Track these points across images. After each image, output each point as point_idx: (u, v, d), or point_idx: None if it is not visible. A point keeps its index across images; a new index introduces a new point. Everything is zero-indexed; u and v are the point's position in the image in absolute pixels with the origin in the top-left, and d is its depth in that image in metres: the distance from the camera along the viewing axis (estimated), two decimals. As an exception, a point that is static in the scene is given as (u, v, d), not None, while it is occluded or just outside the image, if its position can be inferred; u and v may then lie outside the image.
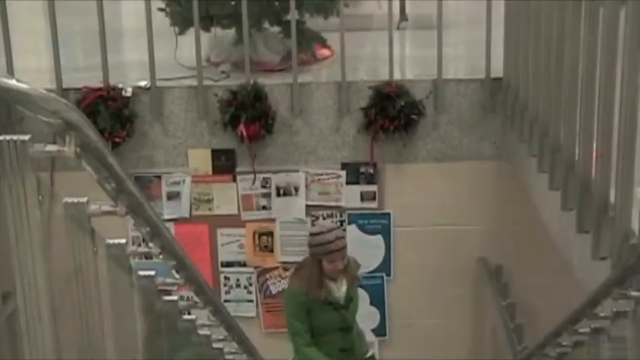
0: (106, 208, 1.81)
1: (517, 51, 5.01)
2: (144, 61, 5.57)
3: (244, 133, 5.41)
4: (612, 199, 3.32)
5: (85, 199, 1.78)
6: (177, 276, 2.60)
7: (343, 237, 4.71)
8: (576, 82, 3.75)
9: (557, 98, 4.05)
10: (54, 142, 1.58)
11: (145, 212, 2.02)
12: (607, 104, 3.36)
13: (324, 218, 5.75)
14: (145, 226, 2.12)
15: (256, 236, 5.82)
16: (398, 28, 6.90)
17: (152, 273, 2.35)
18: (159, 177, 5.68)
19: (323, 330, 4.78)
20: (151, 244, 2.28)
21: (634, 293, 2.64)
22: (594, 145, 3.52)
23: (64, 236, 1.76)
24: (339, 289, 4.78)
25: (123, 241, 2.07)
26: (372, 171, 5.66)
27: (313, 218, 5.75)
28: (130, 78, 5.80)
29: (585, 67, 3.60)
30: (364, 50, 6.60)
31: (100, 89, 5.44)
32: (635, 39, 3.10)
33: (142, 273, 2.25)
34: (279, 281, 5.87)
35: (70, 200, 1.75)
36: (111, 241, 2.03)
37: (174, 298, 2.61)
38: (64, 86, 5.47)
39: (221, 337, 3.80)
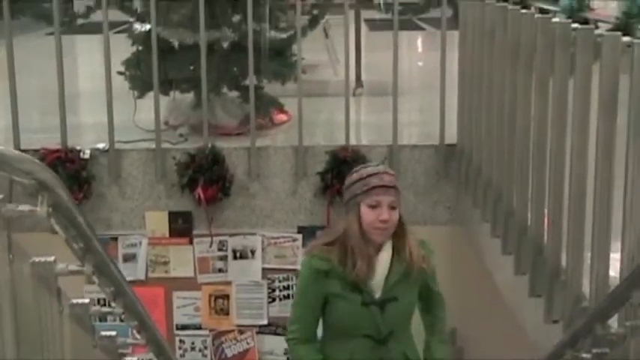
0: (73, 267, 1.83)
1: (470, 118, 5.13)
2: (102, 123, 5.60)
3: (202, 196, 5.45)
4: (564, 263, 3.41)
5: (52, 259, 1.80)
6: (138, 336, 2.61)
7: (394, 176, 3.19)
8: (528, 150, 3.86)
9: (509, 165, 4.16)
10: (9, 201, 1.61)
11: (110, 272, 2.05)
12: (558, 171, 3.47)
13: (279, 281, 5.77)
14: (110, 285, 2.15)
15: (212, 299, 5.82)
16: (354, 95, 7.01)
17: (113, 333, 2.37)
18: (115, 239, 5.68)
19: (342, 330, 3.20)
20: (113, 304, 2.30)
21: (585, 355, 2.71)
22: (546, 210, 3.62)
23: (31, 295, 1.78)
24: (378, 274, 3.15)
25: (86, 300, 2.09)
26: (328, 235, 5.70)
27: (269, 281, 5.77)
28: (88, 140, 5.82)
29: (537, 135, 3.72)
30: (321, 115, 6.69)
31: (58, 151, 5.46)
32: (583, 109, 3.22)
33: (104, 333, 2.26)
34: (235, 344, 5.86)
35: (37, 259, 1.78)
36: (75, 301, 2.05)
37: (135, 359, 2.62)
38: (21, 147, 5.47)
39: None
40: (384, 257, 3.15)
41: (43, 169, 1.55)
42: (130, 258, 5.72)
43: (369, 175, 3.11)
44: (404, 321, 3.27)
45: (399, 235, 3.18)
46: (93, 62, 8.35)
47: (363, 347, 3.18)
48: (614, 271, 3.01)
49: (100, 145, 5.62)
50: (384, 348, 3.20)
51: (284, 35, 6.04)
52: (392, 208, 3.09)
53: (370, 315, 3.13)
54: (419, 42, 11.65)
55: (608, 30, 3.13)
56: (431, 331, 3.45)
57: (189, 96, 6.02)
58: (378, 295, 3.14)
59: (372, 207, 3.07)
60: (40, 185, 1.53)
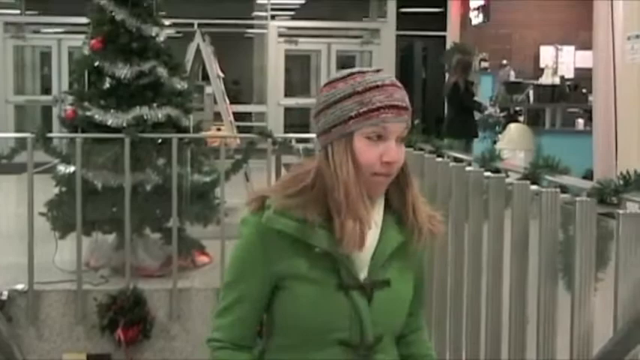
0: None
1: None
2: (22, 264, 5.57)
3: (122, 338, 5.42)
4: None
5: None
6: None
7: (403, 90, 1.99)
8: (445, 293, 3.98)
9: (427, 307, 4.26)
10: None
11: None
12: (474, 312, 3.60)
13: None
14: None
15: None
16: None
17: None
18: (30, 382, 5.56)
19: (302, 334, 1.99)
20: None
21: None
22: (464, 352, 3.72)
23: None
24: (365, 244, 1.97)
25: None
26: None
27: None
28: (6, 281, 5.76)
29: (453, 278, 3.85)
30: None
31: (-26, 292, 5.40)
32: (497, 252, 3.38)
33: None
34: None
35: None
36: None
37: None
38: (-63, 288, 5.40)
39: None
40: (375, 218, 2.00)
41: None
42: (45, 402, 5.59)
43: (370, 89, 1.94)
44: (398, 321, 2.09)
45: (397, 184, 2.03)
46: (12, 202, 8.31)
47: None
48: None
49: (19, 287, 5.57)
50: None
51: (207, 179, 6.16)
52: (400, 141, 1.99)
53: (351, 306, 1.97)
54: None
55: (517, 179, 3.33)
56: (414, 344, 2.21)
57: (111, 237, 6.06)
58: (362, 275, 1.99)
59: (374, 140, 1.95)
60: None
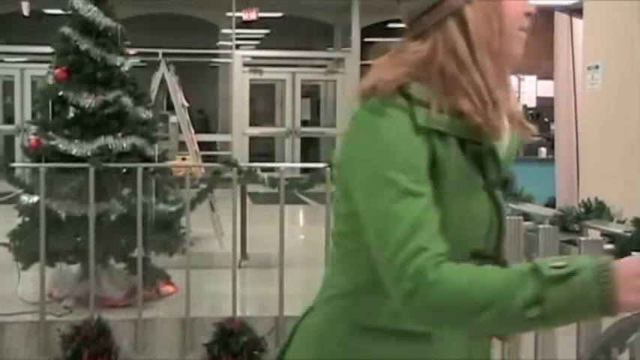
0: None
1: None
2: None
3: (86, 369, 5.36)
4: None
5: None
6: None
7: None
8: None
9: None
10: None
11: None
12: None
13: None
14: None
15: None
16: (239, 267, 7.10)
17: None
18: (-9, 416, 5.48)
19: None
20: None
21: None
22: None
23: None
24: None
25: None
26: (214, 408, 5.64)
27: None
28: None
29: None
30: (207, 287, 6.74)
31: None
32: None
33: None
34: None
35: None
36: None
37: None
38: None
39: None
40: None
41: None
42: None
43: None
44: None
45: None
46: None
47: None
48: None
49: (-20, 319, 5.52)
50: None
51: (172, 208, 6.15)
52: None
53: (493, 209, 1.61)
54: (301, 216, 11.94)
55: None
56: None
57: (75, 267, 6.01)
58: (502, 164, 1.66)
59: None
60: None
